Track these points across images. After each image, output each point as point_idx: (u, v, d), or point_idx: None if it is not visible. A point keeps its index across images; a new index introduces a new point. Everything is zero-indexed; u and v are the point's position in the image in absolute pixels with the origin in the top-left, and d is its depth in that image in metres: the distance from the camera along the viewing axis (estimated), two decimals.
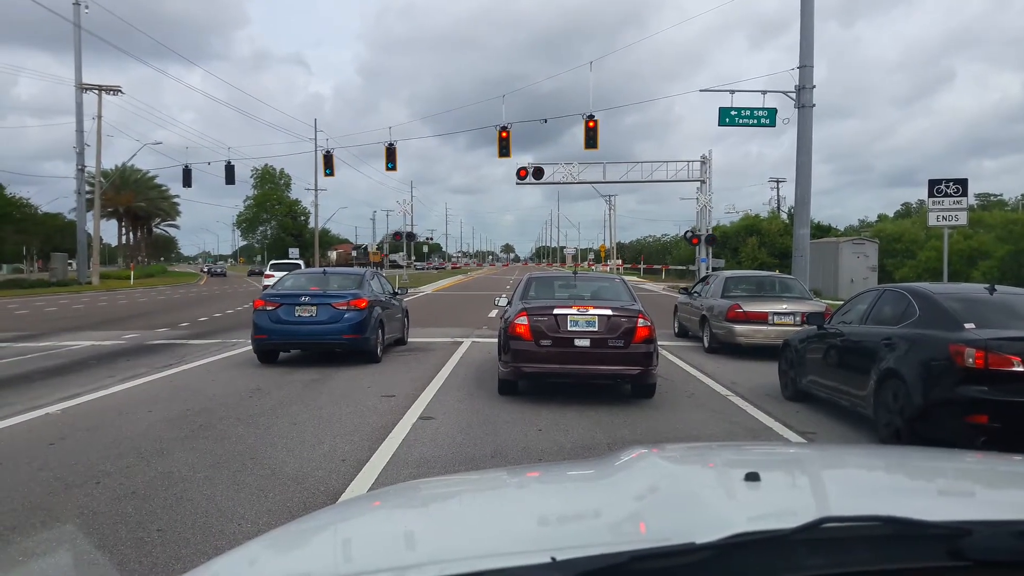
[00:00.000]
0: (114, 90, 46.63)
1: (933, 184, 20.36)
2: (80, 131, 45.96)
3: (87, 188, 49.51)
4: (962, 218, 20.53)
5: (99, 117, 45.98)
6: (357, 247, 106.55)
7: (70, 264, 54.28)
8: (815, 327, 9.49)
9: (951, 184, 20.25)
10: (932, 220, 20.78)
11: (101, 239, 55.93)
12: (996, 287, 7.66)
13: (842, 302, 10.58)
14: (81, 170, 46.65)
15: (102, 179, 49.91)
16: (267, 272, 36.41)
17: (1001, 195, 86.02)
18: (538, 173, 37.10)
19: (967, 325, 6.78)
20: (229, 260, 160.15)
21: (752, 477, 1.58)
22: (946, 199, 20.17)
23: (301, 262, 51.58)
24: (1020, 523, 1.21)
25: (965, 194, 20.31)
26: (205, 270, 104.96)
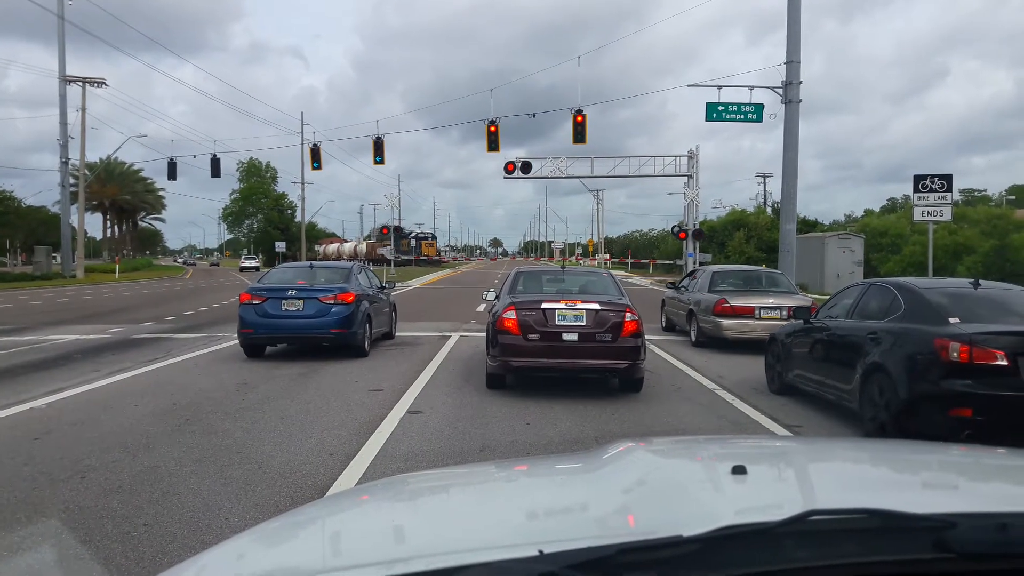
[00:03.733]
0: (98, 82, 46.20)
1: (918, 180, 20.47)
2: (64, 123, 45.61)
3: (72, 181, 49.10)
4: (947, 213, 20.66)
5: (83, 109, 45.55)
6: (403, 235, 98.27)
7: (54, 257, 53.84)
8: (801, 321, 9.55)
9: (936, 180, 20.38)
10: (917, 215, 20.91)
11: (86, 232, 55.48)
12: (980, 282, 7.73)
13: (828, 296, 10.63)
14: (65, 163, 46.26)
15: (87, 172, 49.52)
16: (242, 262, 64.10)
17: (985, 190, 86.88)
18: (526, 167, 37.08)
19: (952, 319, 6.83)
20: (215, 253, 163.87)
21: (739, 470, 1.58)
22: (931, 195, 20.29)
23: (257, 260, 74.66)
24: (1003, 515, 1.23)
25: (950, 190, 20.44)
26: (180, 261, 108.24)
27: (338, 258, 77.74)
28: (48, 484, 5.63)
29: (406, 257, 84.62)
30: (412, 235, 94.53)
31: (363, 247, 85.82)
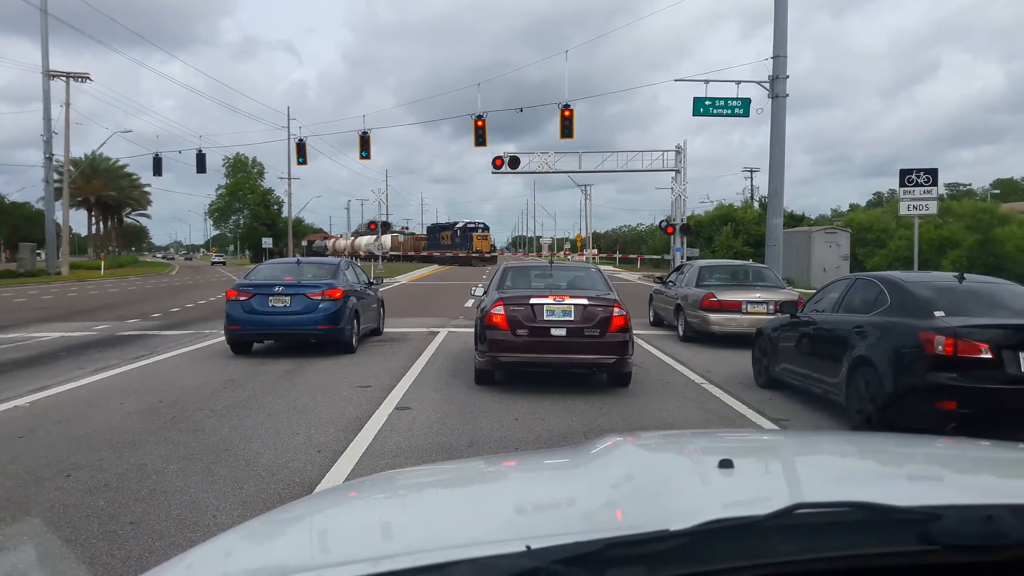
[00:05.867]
0: (83, 77, 45.86)
1: (904, 174, 20.60)
2: (47, 119, 45.22)
3: (56, 177, 48.72)
4: (932, 207, 20.81)
5: (67, 104, 45.20)
6: (444, 226, 79.82)
7: (38, 254, 53.37)
8: (788, 316, 9.58)
9: (921, 174, 20.50)
10: (903, 209, 21.04)
11: (70, 229, 55.17)
12: (965, 275, 7.79)
13: (814, 291, 10.68)
14: (49, 158, 45.90)
15: (71, 168, 49.13)
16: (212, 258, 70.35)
17: (970, 184, 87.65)
18: (514, 162, 37.09)
19: (937, 313, 6.88)
20: (201, 250, 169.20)
21: (726, 464, 1.59)
22: (917, 189, 20.42)
23: (223, 256, 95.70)
24: (988, 508, 1.23)
25: (935, 184, 20.58)
26: (160, 257, 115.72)
27: (352, 254, 69.64)
28: (33, 483, 5.58)
29: (461, 255, 69.91)
30: (458, 225, 75.48)
31: (387, 240, 69.30)
